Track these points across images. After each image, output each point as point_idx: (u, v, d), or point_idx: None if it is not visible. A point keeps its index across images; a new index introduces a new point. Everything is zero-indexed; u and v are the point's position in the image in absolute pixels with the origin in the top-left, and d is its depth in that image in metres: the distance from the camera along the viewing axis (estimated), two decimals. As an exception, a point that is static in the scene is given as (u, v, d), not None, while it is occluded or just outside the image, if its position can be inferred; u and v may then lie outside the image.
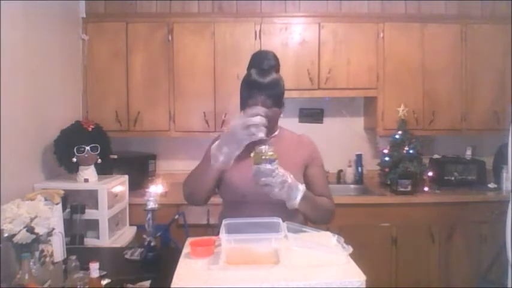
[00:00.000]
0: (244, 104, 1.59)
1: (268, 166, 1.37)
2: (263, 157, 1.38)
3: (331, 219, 1.68)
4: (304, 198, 1.47)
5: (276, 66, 1.64)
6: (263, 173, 1.37)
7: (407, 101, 3.34)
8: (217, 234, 1.36)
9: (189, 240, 1.43)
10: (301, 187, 1.47)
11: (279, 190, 1.40)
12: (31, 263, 1.44)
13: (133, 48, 3.33)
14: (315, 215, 1.60)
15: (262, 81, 1.56)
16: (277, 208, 1.47)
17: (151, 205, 1.65)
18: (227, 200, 1.69)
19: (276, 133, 1.69)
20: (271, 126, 1.62)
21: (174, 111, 3.36)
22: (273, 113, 1.59)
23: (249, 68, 1.65)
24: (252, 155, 1.39)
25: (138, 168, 3.30)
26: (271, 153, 1.38)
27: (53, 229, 1.58)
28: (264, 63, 1.62)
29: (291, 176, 1.44)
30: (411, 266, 3.08)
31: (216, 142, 1.49)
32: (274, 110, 1.59)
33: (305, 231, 1.42)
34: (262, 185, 1.39)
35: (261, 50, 1.76)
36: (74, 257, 1.49)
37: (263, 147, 1.39)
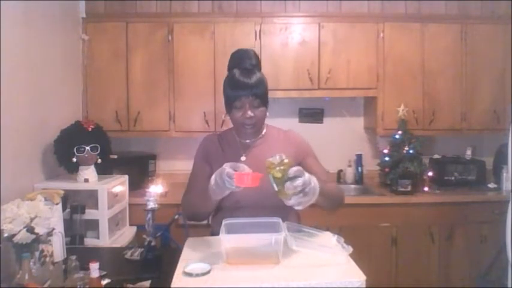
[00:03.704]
0: (231, 106, 1.57)
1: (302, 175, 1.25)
2: (282, 168, 1.24)
3: (343, 201, 1.64)
4: (320, 192, 1.32)
5: (258, 65, 1.61)
6: (306, 183, 1.25)
7: (407, 101, 3.34)
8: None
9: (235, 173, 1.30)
10: (315, 180, 1.31)
11: (311, 195, 1.28)
12: (31, 263, 1.44)
13: (133, 48, 3.33)
14: (330, 203, 1.53)
15: (248, 82, 1.53)
16: (271, 212, 1.44)
17: (151, 205, 1.64)
18: (220, 205, 1.60)
19: (263, 132, 1.68)
20: (259, 126, 1.63)
21: (174, 111, 3.36)
22: (261, 113, 1.58)
23: (229, 68, 1.61)
24: (271, 172, 1.24)
25: (138, 168, 3.31)
26: (286, 160, 1.26)
27: (53, 229, 1.58)
28: (246, 62, 1.57)
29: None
30: (411, 266, 3.08)
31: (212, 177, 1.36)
32: (262, 110, 1.58)
33: (305, 231, 1.43)
34: (300, 193, 1.25)
35: (241, 49, 1.65)
36: (74, 257, 1.49)
37: (276, 157, 1.26)
